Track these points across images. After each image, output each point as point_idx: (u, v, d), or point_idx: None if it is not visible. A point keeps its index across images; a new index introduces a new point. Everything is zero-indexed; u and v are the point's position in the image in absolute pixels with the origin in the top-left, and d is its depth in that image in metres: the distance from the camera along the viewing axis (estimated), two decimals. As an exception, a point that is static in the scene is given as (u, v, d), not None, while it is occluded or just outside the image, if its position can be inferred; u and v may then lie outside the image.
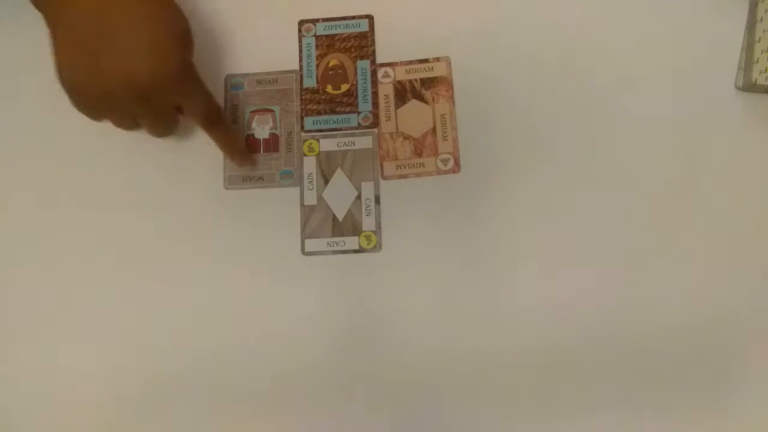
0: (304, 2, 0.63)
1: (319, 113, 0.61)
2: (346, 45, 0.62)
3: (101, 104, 0.51)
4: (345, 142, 0.60)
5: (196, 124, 0.57)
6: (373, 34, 0.62)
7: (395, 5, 0.62)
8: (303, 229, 0.59)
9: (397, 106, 0.61)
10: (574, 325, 0.55)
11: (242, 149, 0.59)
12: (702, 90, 0.58)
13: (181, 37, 0.52)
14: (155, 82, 0.49)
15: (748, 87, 0.57)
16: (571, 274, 0.56)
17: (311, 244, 0.58)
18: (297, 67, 0.62)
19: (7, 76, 0.63)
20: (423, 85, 0.61)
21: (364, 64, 0.62)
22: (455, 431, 0.55)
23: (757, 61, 0.56)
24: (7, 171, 0.61)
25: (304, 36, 0.63)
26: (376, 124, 0.60)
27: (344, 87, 0.61)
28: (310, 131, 0.61)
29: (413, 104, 0.60)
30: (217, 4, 0.63)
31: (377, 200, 0.59)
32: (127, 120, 0.54)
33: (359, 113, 0.61)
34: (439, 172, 0.59)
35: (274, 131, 0.61)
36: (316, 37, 0.62)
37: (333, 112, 0.61)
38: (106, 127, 0.61)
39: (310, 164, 0.60)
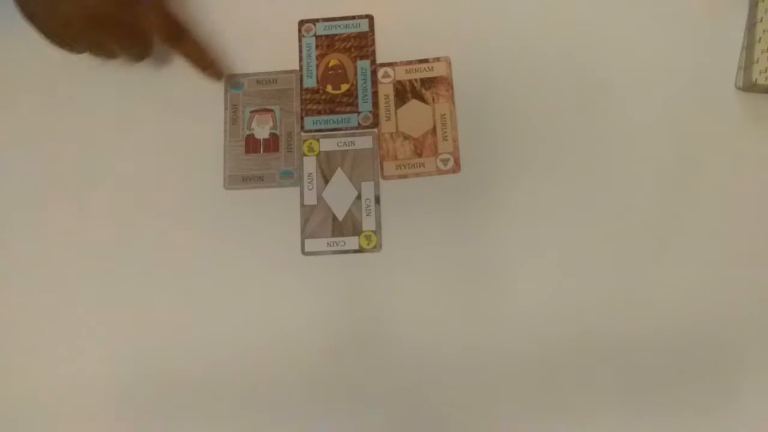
0: (304, 2, 0.63)
1: (319, 113, 0.61)
2: (346, 45, 0.62)
3: (65, 34, 0.56)
4: (345, 142, 0.60)
5: (161, 42, 0.58)
6: (373, 34, 0.62)
7: (395, 5, 0.62)
8: (303, 229, 0.59)
9: (397, 106, 0.61)
10: (574, 324, 0.55)
11: (212, 62, 0.60)
12: (702, 90, 0.58)
13: None
14: (103, 4, 0.54)
15: (748, 87, 0.57)
16: (570, 274, 0.56)
17: (311, 244, 0.58)
18: (297, 67, 0.62)
19: (7, 76, 0.63)
20: (423, 85, 0.61)
21: (364, 64, 0.62)
22: (455, 430, 0.55)
23: (757, 61, 0.56)
24: (6, 172, 0.62)
25: (304, 36, 0.63)
26: (376, 124, 0.60)
27: (344, 87, 0.61)
28: (310, 131, 0.61)
29: (413, 104, 0.60)
30: (217, 4, 0.63)
31: (377, 200, 0.59)
32: (100, 49, 0.57)
33: (359, 113, 0.61)
34: (439, 172, 0.59)
35: (274, 131, 0.61)
36: (316, 37, 0.62)
37: (333, 112, 0.61)
38: (107, 127, 0.62)
39: (310, 164, 0.60)
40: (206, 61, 0.60)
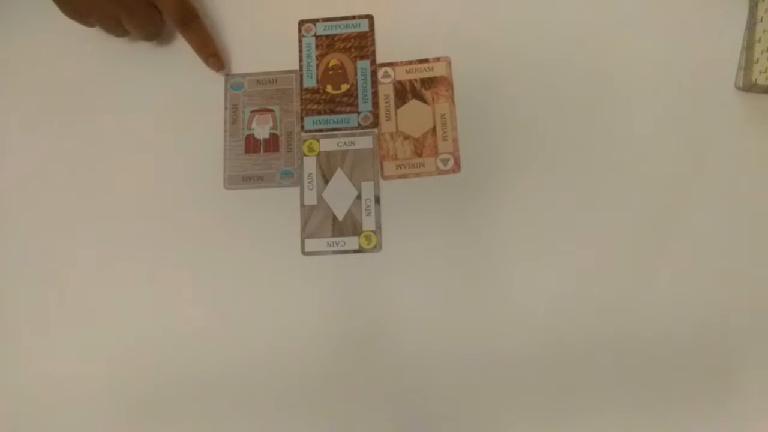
0: (304, 2, 0.63)
1: (319, 113, 0.61)
2: (346, 45, 0.62)
3: (84, 7, 0.58)
4: (345, 142, 0.60)
5: (171, 23, 0.61)
6: (373, 34, 0.62)
7: (395, 5, 0.62)
8: (303, 229, 0.59)
9: (397, 106, 0.61)
10: (574, 324, 0.55)
11: (215, 52, 0.61)
12: (702, 90, 0.58)
13: None
14: None
15: (748, 87, 0.57)
16: (570, 274, 0.56)
17: (311, 244, 0.58)
18: (297, 67, 0.62)
19: (6, 76, 0.63)
20: (423, 85, 0.61)
21: (364, 64, 0.62)
22: (455, 430, 0.55)
23: (757, 61, 0.56)
24: (6, 171, 0.62)
25: (304, 36, 0.63)
26: (376, 124, 0.60)
27: (344, 87, 0.61)
28: (310, 131, 0.61)
29: (413, 104, 0.60)
30: (217, 4, 0.63)
31: (377, 200, 0.59)
32: (112, 22, 0.59)
33: (359, 113, 0.61)
34: (439, 172, 0.59)
35: (274, 131, 0.61)
36: (316, 37, 0.62)
37: (333, 112, 0.61)
38: (108, 128, 0.62)
39: (310, 164, 0.60)
40: (211, 50, 0.61)
